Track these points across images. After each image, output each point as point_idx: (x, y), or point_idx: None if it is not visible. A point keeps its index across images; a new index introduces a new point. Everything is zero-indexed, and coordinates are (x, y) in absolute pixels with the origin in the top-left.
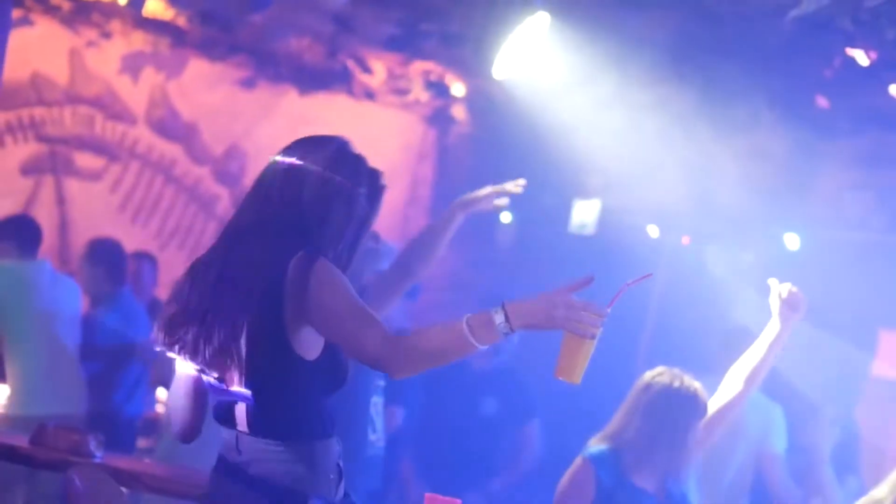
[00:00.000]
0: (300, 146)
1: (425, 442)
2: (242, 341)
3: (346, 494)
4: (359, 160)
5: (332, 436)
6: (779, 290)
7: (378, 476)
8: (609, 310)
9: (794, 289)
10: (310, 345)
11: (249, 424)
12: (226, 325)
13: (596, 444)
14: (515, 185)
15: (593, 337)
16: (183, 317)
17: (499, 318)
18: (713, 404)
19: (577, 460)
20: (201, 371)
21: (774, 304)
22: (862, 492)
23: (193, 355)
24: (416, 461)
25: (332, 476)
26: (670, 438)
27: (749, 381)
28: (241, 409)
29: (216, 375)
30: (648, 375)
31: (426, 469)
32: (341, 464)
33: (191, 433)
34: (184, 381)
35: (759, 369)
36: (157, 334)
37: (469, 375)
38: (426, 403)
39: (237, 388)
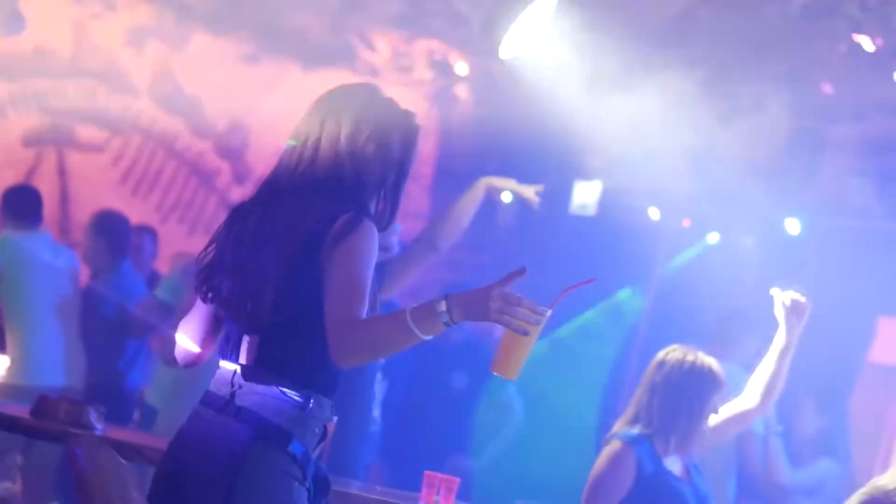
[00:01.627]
0: (333, 98)
1: (403, 415)
2: (273, 292)
3: (318, 457)
4: (388, 106)
5: (329, 396)
6: (782, 298)
7: (376, 451)
8: (549, 311)
9: (797, 295)
10: None
11: (256, 358)
12: (260, 279)
13: (625, 428)
14: (534, 192)
15: (527, 334)
16: (219, 267)
17: (441, 310)
18: (726, 410)
19: (616, 444)
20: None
21: (780, 314)
22: (845, 475)
23: (226, 305)
24: (395, 434)
25: (316, 430)
26: (688, 410)
27: (765, 395)
28: (249, 342)
29: (241, 315)
30: (661, 354)
31: (403, 442)
32: (328, 427)
33: (194, 361)
34: (200, 308)
35: (773, 382)
36: (194, 283)
37: (444, 349)
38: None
39: (256, 321)
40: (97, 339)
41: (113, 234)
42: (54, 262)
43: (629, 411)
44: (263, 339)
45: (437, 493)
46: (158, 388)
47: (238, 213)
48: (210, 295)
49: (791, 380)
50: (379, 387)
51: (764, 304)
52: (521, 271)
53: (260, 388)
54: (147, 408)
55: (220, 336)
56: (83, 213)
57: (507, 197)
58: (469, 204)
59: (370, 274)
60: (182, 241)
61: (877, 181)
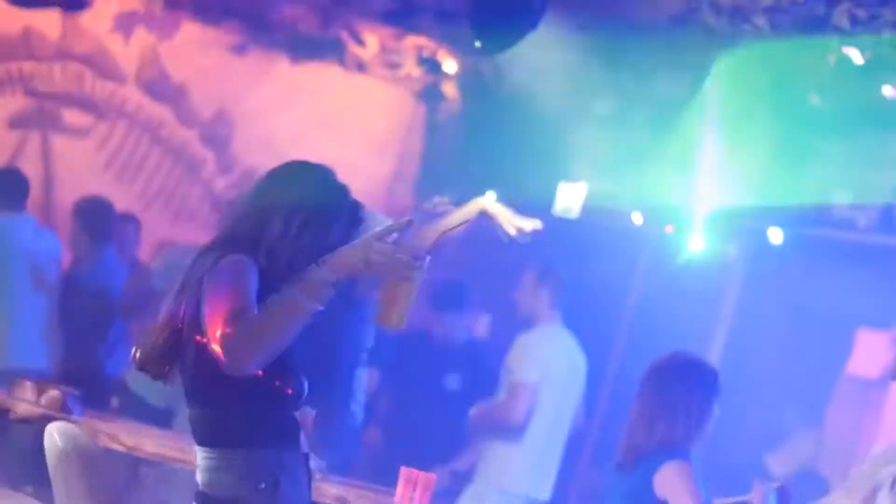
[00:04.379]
0: (285, 183)
1: (392, 413)
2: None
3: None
4: (341, 191)
5: (271, 447)
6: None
7: (356, 447)
8: (428, 257)
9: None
10: None
11: (193, 434)
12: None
13: (652, 441)
14: (533, 226)
15: (408, 279)
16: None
17: (318, 273)
18: None
19: (683, 463)
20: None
21: None
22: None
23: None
24: (383, 431)
25: (262, 486)
26: (703, 417)
27: None
28: (191, 418)
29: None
30: (658, 360)
31: (393, 440)
32: (279, 475)
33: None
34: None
35: None
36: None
37: (435, 351)
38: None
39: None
40: (77, 324)
41: (96, 219)
42: (36, 246)
43: (642, 423)
44: (194, 415)
45: (414, 490)
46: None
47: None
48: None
49: (770, 390)
50: (359, 384)
51: (744, 309)
52: (408, 222)
53: (204, 462)
54: (128, 394)
55: None
56: (67, 197)
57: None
58: (459, 221)
59: (242, 288)
60: (165, 229)
61: (860, 194)
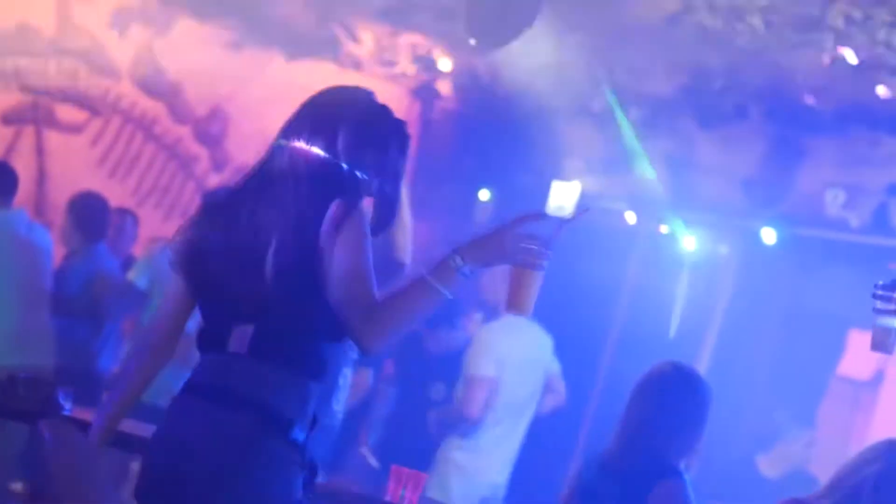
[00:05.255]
0: (328, 102)
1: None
2: (270, 280)
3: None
4: (385, 116)
5: (321, 382)
6: None
7: (329, 446)
8: (552, 244)
9: None
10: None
11: (251, 346)
12: (255, 267)
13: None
14: None
15: (542, 268)
16: (206, 253)
17: (458, 264)
18: None
19: (678, 482)
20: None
21: None
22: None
23: (214, 292)
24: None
25: (310, 418)
26: (684, 423)
27: None
28: (242, 331)
29: (233, 303)
30: (655, 370)
31: (384, 444)
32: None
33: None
34: (176, 289)
35: None
36: (176, 264)
37: (426, 359)
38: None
39: (250, 309)
40: (68, 320)
41: (90, 215)
42: (28, 241)
43: (639, 433)
44: (259, 328)
45: (405, 488)
46: None
47: (221, 202)
48: (196, 280)
49: (762, 391)
50: (344, 382)
51: (738, 312)
52: (539, 214)
53: (257, 376)
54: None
55: (199, 324)
56: (60, 192)
57: (484, 195)
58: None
59: (371, 254)
60: (158, 226)
61: (853, 194)
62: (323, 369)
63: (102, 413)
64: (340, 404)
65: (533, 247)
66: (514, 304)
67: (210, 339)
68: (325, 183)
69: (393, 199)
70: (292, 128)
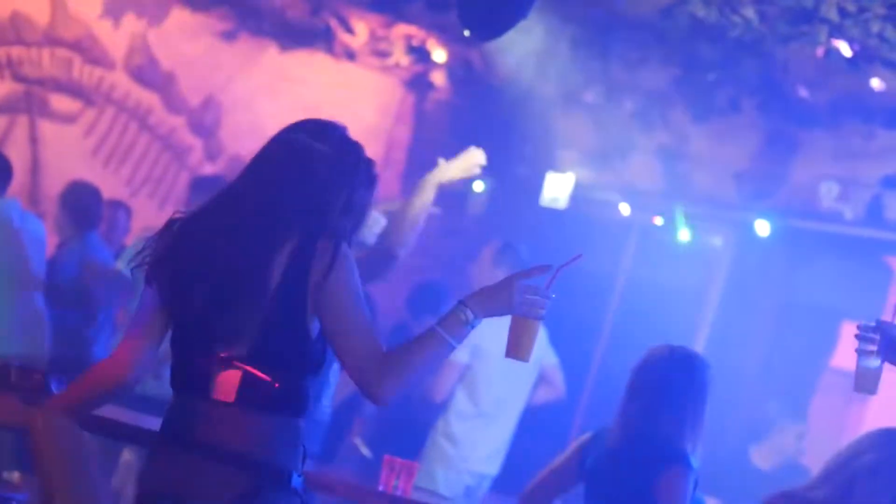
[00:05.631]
0: (306, 127)
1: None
2: (259, 315)
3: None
4: (358, 148)
5: (308, 416)
6: None
7: (319, 441)
8: (552, 294)
9: None
10: (315, 323)
11: (238, 394)
12: (241, 313)
13: (651, 440)
14: (476, 162)
15: (543, 318)
16: (192, 280)
17: (468, 318)
18: None
19: (683, 469)
20: (191, 327)
21: None
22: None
23: (201, 320)
24: (366, 427)
25: (302, 455)
26: (692, 405)
27: None
28: (228, 378)
29: (212, 341)
30: (658, 352)
31: (375, 435)
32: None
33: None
34: (149, 310)
35: None
36: (152, 285)
37: None
38: None
39: (236, 354)
40: (61, 309)
41: (83, 204)
42: (21, 230)
43: (647, 421)
44: (246, 375)
45: (398, 478)
46: None
47: (193, 230)
48: (179, 307)
49: (755, 382)
50: (334, 377)
51: (731, 304)
52: (546, 268)
53: (252, 430)
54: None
55: (172, 365)
56: (53, 182)
57: (478, 186)
58: (421, 207)
59: (363, 298)
60: (152, 216)
61: (847, 186)
62: (308, 404)
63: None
64: (330, 399)
65: (536, 298)
66: (515, 350)
67: (189, 381)
68: (298, 221)
69: (362, 215)
70: (262, 163)
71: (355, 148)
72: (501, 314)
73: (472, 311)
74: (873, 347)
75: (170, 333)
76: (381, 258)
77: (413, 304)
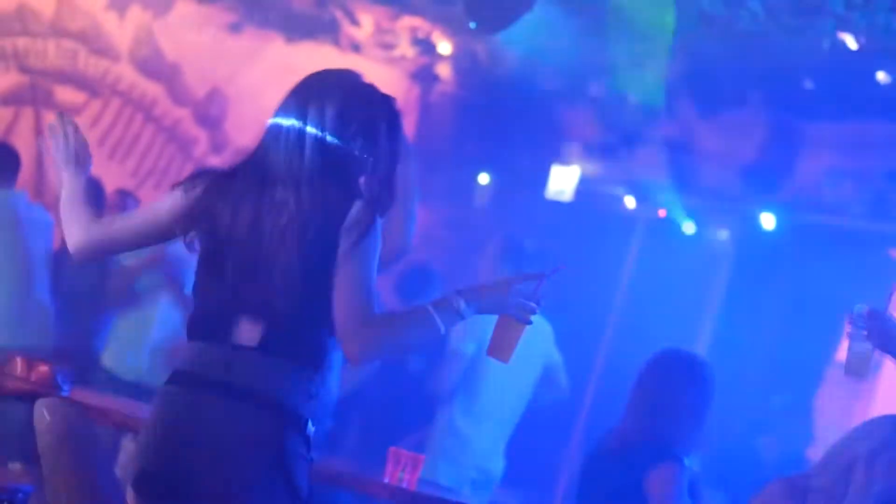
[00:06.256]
0: (313, 85)
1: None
2: (284, 280)
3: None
4: (370, 94)
5: (332, 370)
6: None
7: (328, 418)
8: (540, 300)
9: None
10: None
11: (262, 340)
12: (271, 269)
13: (641, 439)
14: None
15: (527, 322)
16: (229, 251)
17: (461, 306)
18: None
19: (675, 466)
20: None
21: None
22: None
23: (222, 278)
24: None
25: (314, 410)
26: (701, 420)
27: None
28: (251, 324)
29: (239, 294)
30: (663, 354)
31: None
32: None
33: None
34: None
35: None
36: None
37: None
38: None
39: (262, 305)
40: (68, 301)
41: (91, 193)
42: (28, 222)
43: (644, 420)
44: (270, 323)
45: (403, 470)
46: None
47: (224, 193)
48: (214, 277)
49: (760, 375)
50: (338, 359)
51: (737, 298)
52: (542, 275)
53: (272, 372)
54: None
55: (193, 313)
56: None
57: (483, 179)
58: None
59: (377, 266)
60: None
61: (854, 180)
62: (325, 358)
63: None
64: (335, 384)
65: (528, 303)
66: (498, 349)
67: (210, 328)
68: (331, 185)
69: (389, 180)
70: (281, 115)
71: (367, 88)
72: (494, 312)
73: (466, 302)
74: (864, 332)
75: (193, 282)
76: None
77: (403, 288)
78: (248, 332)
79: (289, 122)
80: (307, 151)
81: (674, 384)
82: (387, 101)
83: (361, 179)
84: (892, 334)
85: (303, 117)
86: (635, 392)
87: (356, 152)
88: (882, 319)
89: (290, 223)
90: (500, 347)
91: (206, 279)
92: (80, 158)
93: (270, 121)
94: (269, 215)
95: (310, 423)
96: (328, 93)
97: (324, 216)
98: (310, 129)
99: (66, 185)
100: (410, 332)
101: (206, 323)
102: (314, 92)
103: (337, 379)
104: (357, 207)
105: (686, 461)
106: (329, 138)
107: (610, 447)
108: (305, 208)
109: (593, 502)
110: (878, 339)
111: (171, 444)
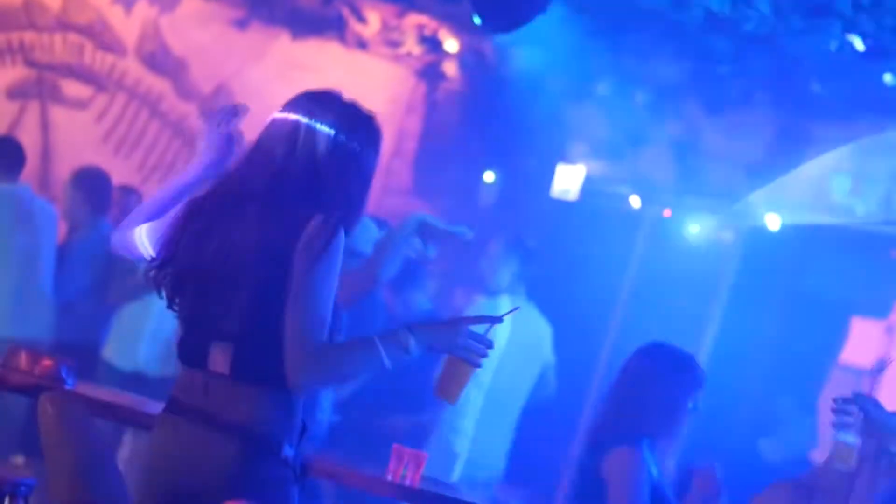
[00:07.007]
0: (307, 102)
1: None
2: (245, 294)
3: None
4: (367, 119)
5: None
6: None
7: (329, 409)
8: (492, 343)
9: None
10: None
11: (232, 367)
12: (231, 290)
13: (613, 429)
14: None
15: (480, 366)
16: (183, 273)
17: (408, 341)
18: None
19: (629, 451)
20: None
21: None
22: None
23: (198, 297)
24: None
25: (299, 429)
26: (676, 409)
27: None
28: (221, 351)
29: (207, 316)
30: (642, 349)
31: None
32: (304, 419)
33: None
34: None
35: None
36: (153, 284)
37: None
38: None
39: (226, 329)
40: (72, 294)
41: (93, 190)
42: (32, 215)
43: (610, 408)
44: (238, 347)
45: (405, 467)
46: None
47: (197, 214)
48: (174, 297)
49: (764, 375)
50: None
51: (741, 298)
52: (498, 320)
53: (241, 400)
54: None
55: (178, 338)
56: (64, 168)
57: (488, 177)
58: (403, 240)
59: (335, 290)
60: None
61: (859, 181)
62: None
63: None
64: (326, 413)
65: (478, 345)
66: (444, 391)
67: (190, 353)
68: (299, 201)
69: (362, 198)
70: (269, 133)
71: (361, 120)
72: (443, 352)
73: (416, 340)
74: (850, 420)
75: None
76: (365, 279)
77: (394, 280)
78: (219, 358)
79: (271, 139)
80: (274, 170)
81: (646, 370)
82: (371, 119)
83: (326, 194)
84: (878, 424)
85: (291, 133)
86: (612, 385)
87: (328, 167)
88: (865, 409)
89: (254, 243)
90: (446, 388)
91: (183, 305)
92: (221, 153)
93: (247, 143)
94: (234, 236)
95: (285, 446)
96: (318, 110)
97: (283, 233)
98: (290, 148)
99: (183, 172)
100: (355, 366)
101: (186, 349)
102: (304, 109)
103: (328, 407)
104: (315, 222)
105: (645, 450)
106: (300, 152)
107: (587, 439)
108: (268, 227)
109: (578, 494)
110: (864, 429)
111: (159, 470)
